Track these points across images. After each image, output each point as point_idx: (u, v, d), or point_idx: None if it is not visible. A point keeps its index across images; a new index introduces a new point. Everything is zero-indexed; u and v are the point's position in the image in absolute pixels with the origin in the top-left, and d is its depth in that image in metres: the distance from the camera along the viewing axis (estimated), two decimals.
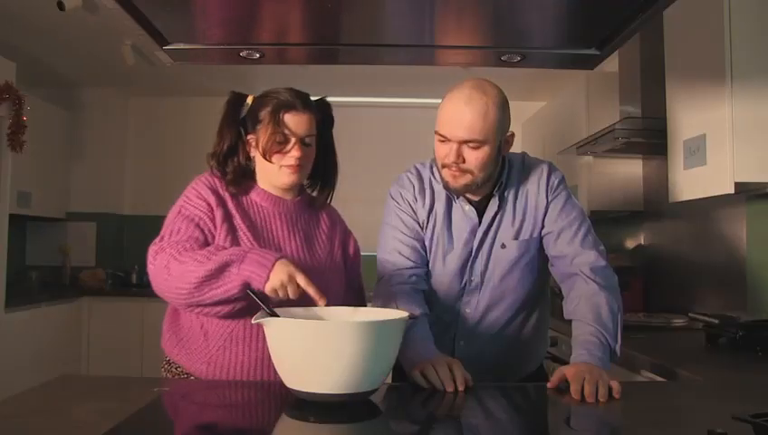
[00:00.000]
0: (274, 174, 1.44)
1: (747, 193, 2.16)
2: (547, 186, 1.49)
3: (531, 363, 1.61)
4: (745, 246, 2.32)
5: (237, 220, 1.40)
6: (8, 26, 3.36)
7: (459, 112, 1.33)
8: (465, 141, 1.34)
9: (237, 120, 1.46)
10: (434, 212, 1.51)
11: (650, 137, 2.62)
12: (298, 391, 1.05)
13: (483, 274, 1.49)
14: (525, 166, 1.52)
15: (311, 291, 1.19)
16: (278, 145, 1.40)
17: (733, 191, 1.89)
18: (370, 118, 4.69)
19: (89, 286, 4.27)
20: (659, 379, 1.66)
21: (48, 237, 4.54)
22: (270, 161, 1.41)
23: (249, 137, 1.44)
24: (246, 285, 1.23)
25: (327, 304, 1.23)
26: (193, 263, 1.25)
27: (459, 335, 1.53)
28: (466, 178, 1.39)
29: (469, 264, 1.50)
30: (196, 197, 1.39)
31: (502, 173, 1.47)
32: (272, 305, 1.15)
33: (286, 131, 1.39)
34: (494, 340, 1.52)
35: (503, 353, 1.53)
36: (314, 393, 1.03)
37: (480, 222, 1.48)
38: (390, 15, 1.07)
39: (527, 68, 1.25)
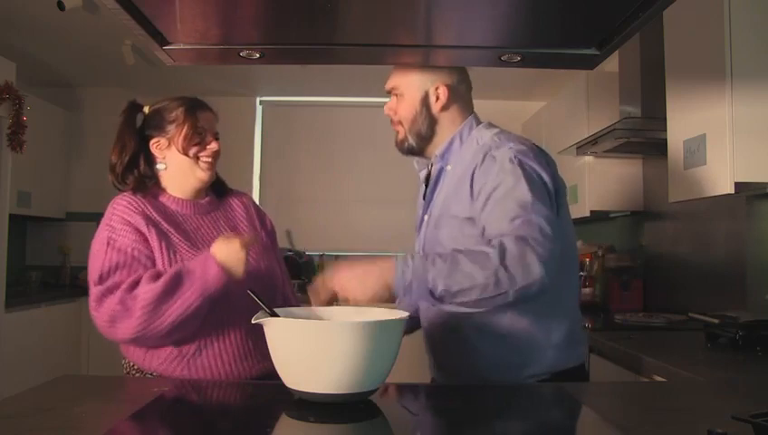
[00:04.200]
0: (191, 172, 1.50)
1: (747, 193, 2.16)
2: (475, 161, 1.37)
3: (528, 367, 1.39)
4: (745, 246, 2.32)
5: (165, 226, 1.43)
6: (8, 26, 3.36)
7: (393, 70, 1.50)
8: (390, 91, 1.49)
9: (136, 129, 1.51)
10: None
11: (650, 137, 2.62)
12: (298, 391, 1.05)
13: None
14: (471, 136, 1.45)
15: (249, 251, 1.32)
16: (198, 138, 1.49)
17: (733, 191, 1.89)
18: (370, 118, 4.70)
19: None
20: (659, 379, 1.66)
21: (48, 237, 4.53)
22: (188, 156, 1.48)
23: (154, 141, 1.49)
24: (205, 290, 1.30)
25: (269, 285, 1.47)
26: (146, 289, 1.29)
27: (423, 324, 1.51)
28: (400, 133, 1.50)
29: (416, 244, 1.52)
30: (122, 223, 1.40)
31: (451, 144, 1.46)
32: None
33: (203, 127, 1.49)
34: (450, 335, 1.40)
35: (454, 345, 1.41)
36: (314, 393, 1.03)
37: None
38: (390, 15, 1.07)
39: (527, 68, 1.24)
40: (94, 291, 1.33)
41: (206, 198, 1.57)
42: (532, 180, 1.31)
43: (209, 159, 1.51)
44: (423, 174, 1.57)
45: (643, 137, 2.66)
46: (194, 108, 1.50)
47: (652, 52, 2.57)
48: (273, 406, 1.17)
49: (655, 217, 3.14)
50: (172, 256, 1.39)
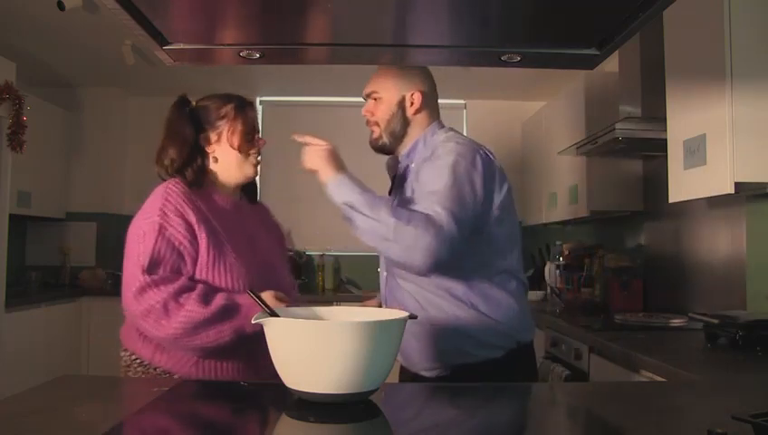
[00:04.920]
0: (239, 168, 1.52)
1: (747, 193, 2.16)
2: (425, 157, 1.58)
3: (483, 347, 1.52)
4: (745, 246, 2.32)
5: (214, 223, 1.43)
6: (8, 26, 3.36)
7: (372, 76, 1.67)
8: (369, 94, 1.66)
9: (188, 122, 1.50)
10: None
11: (650, 137, 2.62)
12: (298, 391, 1.05)
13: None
14: (433, 138, 1.63)
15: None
16: (250, 136, 1.52)
17: (733, 191, 1.89)
18: None
19: (89, 286, 4.27)
20: (659, 379, 1.66)
21: (48, 237, 4.53)
22: (240, 152, 1.50)
23: (202, 135, 1.50)
24: (241, 331, 1.34)
25: (286, 284, 1.51)
26: (194, 308, 1.32)
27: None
28: (375, 132, 1.67)
29: None
30: (175, 214, 1.38)
31: (416, 144, 1.63)
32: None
33: (255, 125, 1.54)
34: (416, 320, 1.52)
35: (416, 329, 1.50)
36: (314, 393, 1.03)
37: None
38: (390, 15, 1.07)
39: (527, 68, 1.24)
40: (141, 279, 1.32)
41: (240, 198, 1.60)
42: (460, 179, 1.46)
43: (258, 156, 1.55)
44: (391, 174, 1.76)
45: (643, 137, 2.66)
46: (244, 106, 1.54)
47: (652, 52, 2.57)
48: (273, 406, 1.17)
49: (655, 217, 3.14)
50: (217, 254, 1.40)
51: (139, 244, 1.36)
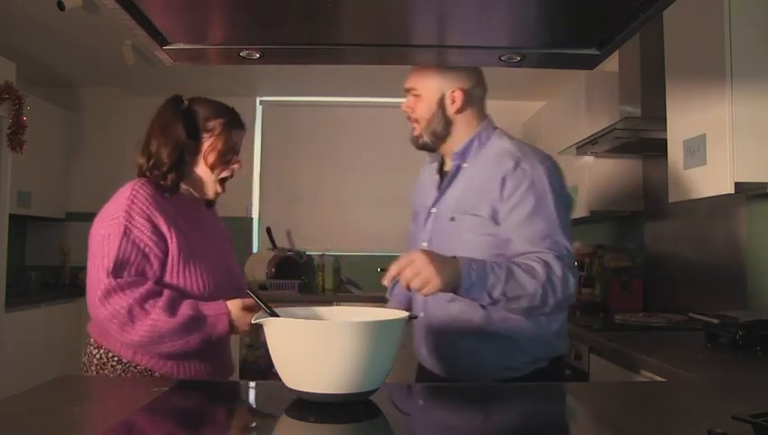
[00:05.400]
0: (206, 185, 1.49)
1: (747, 193, 2.16)
2: (505, 166, 1.48)
3: (512, 363, 1.49)
4: (745, 246, 2.32)
5: (182, 224, 1.43)
6: (8, 26, 3.36)
7: (412, 70, 1.60)
8: (408, 90, 1.58)
9: (181, 125, 1.46)
10: (426, 179, 1.69)
11: (650, 137, 2.62)
12: (298, 391, 1.05)
13: (428, 245, 1.53)
14: (491, 140, 1.58)
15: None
16: (228, 157, 1.48)
17: (733, 191, 1.89)
18: (370, 118, 4.70)
19: None
20: (659, 379, 1.66)
21: (48, 237, 4.53)
22: (212, 171, 1.47)
23: (188, 142, 1.46)
24: (208, 338, 1.36)
25: (242, 285, 1.50)
26: (160, 318, 1.31)
27: (423, 318, 1.55)
28: (416, 130, 1.59)
29: (426, 236, 1.57)
30: (141, 216, 1.37)
31: (470, 144, 1.56)
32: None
33: (234, 145, 1.49)
34: (447, 326, 1.49)
35: (464, 342, 1.48)
36: (314, 393, 1.03)
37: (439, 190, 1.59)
38: (390, 15, 1.07)
39: (527, 68, 1.24)
40: (105, 282, 1.31)
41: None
42: (558, 200, 1.45)
43: (228, 177, 1.51)
44: (434, 166, 1.68)
45: (643, 137, 2.66)
46: (233, 125, 1.50)
47: (652, 52, 2.57)
48: (273, 406, 1.17)
49: (655, 217, 3.14)
50: (186, 257, 1.39)
51: (103, 245, 1.34)
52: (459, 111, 1.56)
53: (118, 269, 1.32)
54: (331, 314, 1.21)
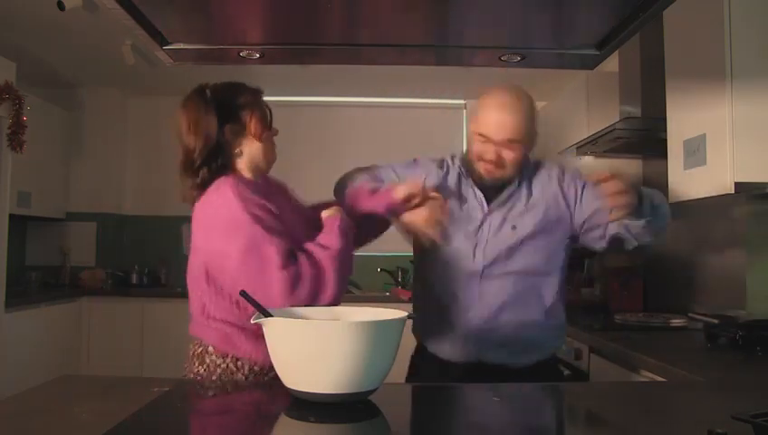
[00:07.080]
0: (263, 155, 1.48)
1: (747, 193, 2.16)
2: (564, 174, 1.65)
3: (542, 348, 1.65)
4: (745, 246, 2.32)
5: (272, 205, 1.38)
6: (8, 26, 3.36)
7: (503, 119, 1.50)
8: (506, 142, 1.51)
9: (213, 114, 1.40)
10: (446, 183, 1.65)
11: (650, 137, 2.62)
12: (298, 391, 1.05)
13: (492, 250, 1.59)
14: (533, 160, 1.68)
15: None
16: (267, 120, 1.48)
17: (733, 191, 1.89)
18: (370, 118, 4.70)
19: (89, 286, 4.27)
20: (659, 379, 1.66)
21: (48, 237, 4.53)
22: (261, 141, 1.45)
23: (227, 127, 1.40)
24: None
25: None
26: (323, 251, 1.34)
27: (471, 308, 1.59)
28: (500, 173, 1.56)
29: (478, 240, 1.59)
30: (259, 207, 1.33)
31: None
32: None
33: (269, 111, 1.48)
34: (505, 314, 1.58)
35: (516, 328, 1.59)
36: (314, 393, 1.03)
37: (489, 204, 1.61)
38: (390, 15, 1.07)
39: (527, 68, 1.24)
40: (285, 276, 1.27)
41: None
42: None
43: (274, 143, 1.51)
44: (479, 192, 1.64)
45: (643, 137, 2.66)
46: (258, 94, 1.46)
47: (652, 52, 2.57)
48: (273, 406, 1.17)
49: None
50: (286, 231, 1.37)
51: (261, 248, 1.29)
52: None
53: (286, 262, 1.28)
54: (332, 314, 1.21)
